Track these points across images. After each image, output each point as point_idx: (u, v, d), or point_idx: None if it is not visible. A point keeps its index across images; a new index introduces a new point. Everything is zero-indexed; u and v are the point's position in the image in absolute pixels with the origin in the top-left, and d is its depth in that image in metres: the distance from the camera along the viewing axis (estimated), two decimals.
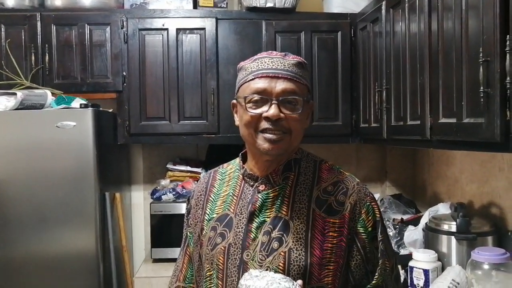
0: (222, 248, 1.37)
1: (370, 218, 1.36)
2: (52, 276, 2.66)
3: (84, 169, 2.67)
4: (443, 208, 2.67)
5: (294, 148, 1.41)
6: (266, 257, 1.31)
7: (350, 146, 3.52)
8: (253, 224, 1.36)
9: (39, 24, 3.05)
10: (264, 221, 1.35)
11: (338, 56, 3.19)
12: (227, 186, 1.48)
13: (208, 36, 3.12)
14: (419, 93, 2.21)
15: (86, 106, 2.71)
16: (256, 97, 1.32)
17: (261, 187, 1.40)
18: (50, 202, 2.66)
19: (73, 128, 2.65)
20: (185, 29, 3.13)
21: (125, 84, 3.10)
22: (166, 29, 3.11)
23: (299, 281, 1.25)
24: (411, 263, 2.39)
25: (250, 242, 1.34)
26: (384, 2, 2.63)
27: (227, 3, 3.29)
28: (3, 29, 3.04)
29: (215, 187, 1.50)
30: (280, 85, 1.32)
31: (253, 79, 1.34)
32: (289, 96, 1.32)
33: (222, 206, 1.44)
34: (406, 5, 2.34)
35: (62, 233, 2.67)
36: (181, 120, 3.12)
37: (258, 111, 1.32)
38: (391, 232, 2.83)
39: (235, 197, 1.43)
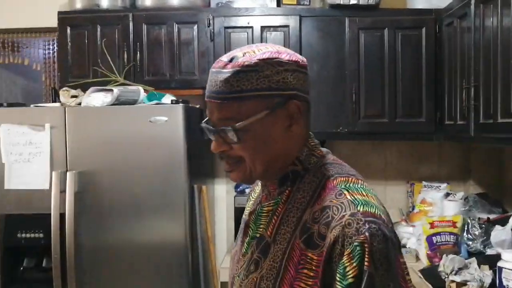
0: (233, 252, 1.29)
1: (354, 264, 0.97)
2: (144, 263, 2.78)
3: (175, 162, 2.76)
4: None
5: (288, 160, 1.15)
6: (245, 277, 1.14)
7: (433, 143, 3.45)
8: (246, 238, 1.20)
9: (131, 23, 3.21)
10: (254, 237, 1.17)
11: (422, 53, 3.16)
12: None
13: (292, 34, 3.17)
14: None
15: (177, 102, 2.82)
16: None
17: (263, 198, 1.22)
18: (144, 192, 2.77)
19: (165, 123, 2.76)
20: (269, 27, 3.19)
21: None
22: (251, 27, 3.19)
23: None
24: (500, 264, 2.35)
25: (241, 257, 1.20)
26: None
27: (310, 0, 3.31)
28: (99, 29, 3.22)
29: (258, 185, 1.33)
30: (214, 113, 1.10)
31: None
32: (221, 125, 1.08)
33: (248, 209, 1.31)
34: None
35: (154, 222, 2.78)
36: None
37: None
38: (476, 231, 2.78)
39: (253, 202, 1.31)
